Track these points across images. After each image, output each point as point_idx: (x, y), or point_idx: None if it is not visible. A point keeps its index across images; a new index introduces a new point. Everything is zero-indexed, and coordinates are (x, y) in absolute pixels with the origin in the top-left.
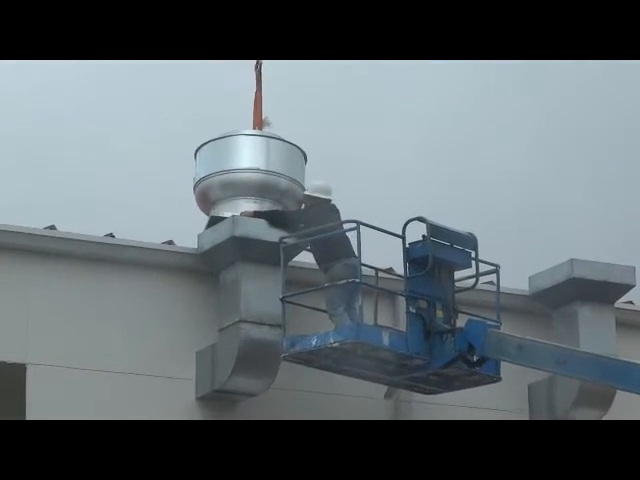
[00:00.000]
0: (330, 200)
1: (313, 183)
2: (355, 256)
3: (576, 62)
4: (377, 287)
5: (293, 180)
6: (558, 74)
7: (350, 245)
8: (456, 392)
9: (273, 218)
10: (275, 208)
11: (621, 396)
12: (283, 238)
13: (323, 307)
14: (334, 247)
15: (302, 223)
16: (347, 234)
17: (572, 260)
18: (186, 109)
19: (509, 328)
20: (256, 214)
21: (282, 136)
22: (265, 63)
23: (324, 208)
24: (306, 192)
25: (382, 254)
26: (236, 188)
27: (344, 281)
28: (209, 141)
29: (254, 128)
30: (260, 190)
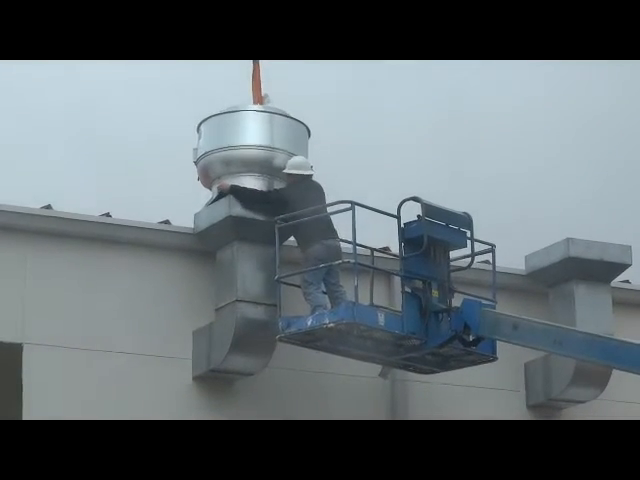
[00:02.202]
0: (311, 175)
1: (291, 160)
2: (337, 236)
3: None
4: (372, 267)
5: (288, 153)
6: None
7: (332, 225)
8: (452, 371)
9: (248, 196)
10: (275, 184)
11: (617, 375)
12: (278, 218)
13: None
14: (316, 227)
15: (284, 202)
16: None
17: (568, 239)
18: (184, 96)
19: (505, 307)
20: (232, 189)
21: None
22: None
23: (306, 185)
24: (285, 170)
25: (377, 235)
26: (238, 165)
27: (339, 261)
28: (212, 115)
29: (254, 104)
30: (263, 167)
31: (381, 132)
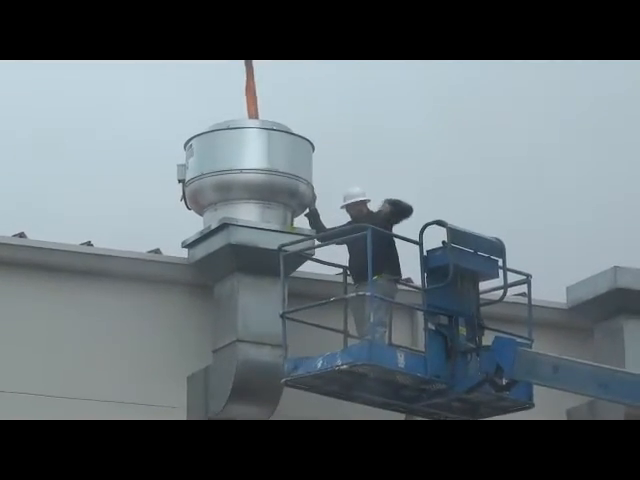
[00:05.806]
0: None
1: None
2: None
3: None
4: (391, 300)
5: (300, 179)
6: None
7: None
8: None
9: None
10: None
11: None
12: (282, 246)
13: (330, 324)
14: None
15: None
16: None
17: (615, 268)
18: (177, 110)
19: (544, 346)
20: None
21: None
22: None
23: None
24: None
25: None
26: (235, 190)
27: (353, 294)
28: (203, 133)
29: (249, 117)
30: (262, 192)
31: (397, 141)
